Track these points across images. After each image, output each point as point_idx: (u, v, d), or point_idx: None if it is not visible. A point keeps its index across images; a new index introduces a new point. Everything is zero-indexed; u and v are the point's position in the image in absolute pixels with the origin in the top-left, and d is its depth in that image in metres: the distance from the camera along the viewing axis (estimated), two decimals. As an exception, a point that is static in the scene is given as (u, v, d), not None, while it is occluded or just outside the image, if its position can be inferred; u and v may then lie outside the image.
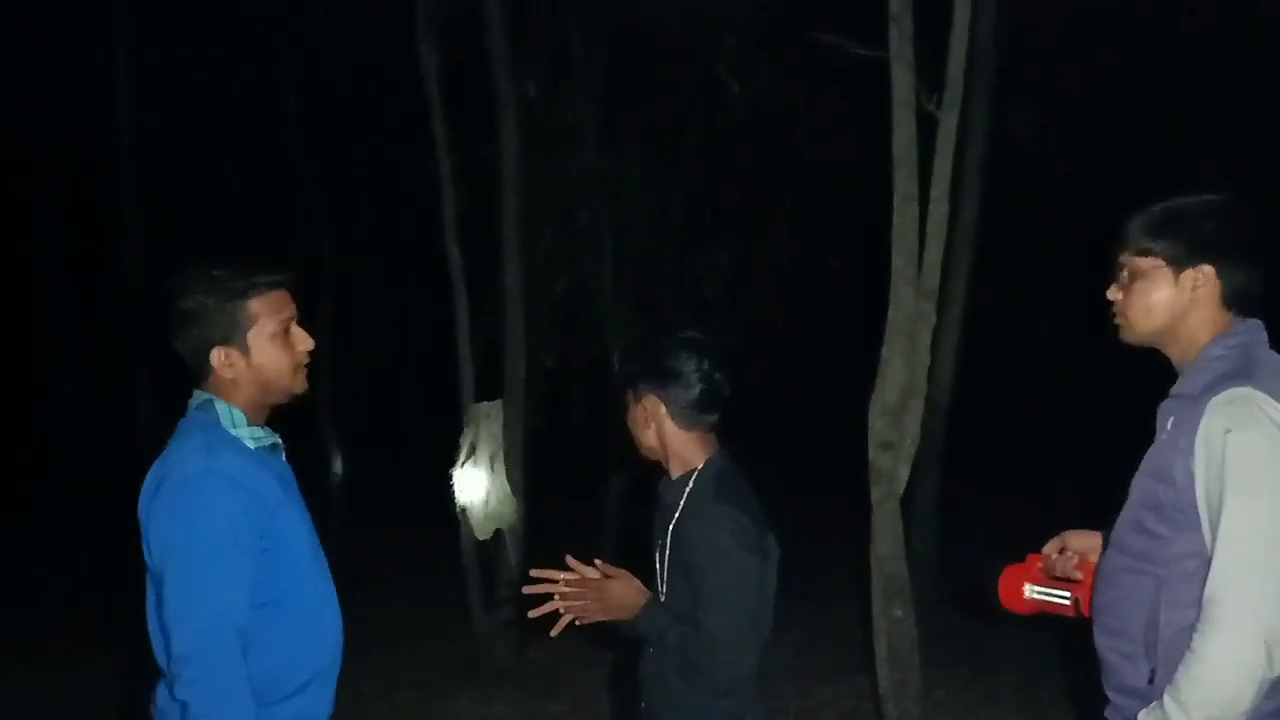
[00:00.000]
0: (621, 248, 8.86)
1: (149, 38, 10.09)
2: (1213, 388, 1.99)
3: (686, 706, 2.35)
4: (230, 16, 10.35)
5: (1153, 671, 2.02)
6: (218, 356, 2.12)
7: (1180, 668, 1.94)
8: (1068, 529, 2.45)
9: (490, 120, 6.37)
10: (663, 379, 2.41)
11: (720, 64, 8.67)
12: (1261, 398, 1.94)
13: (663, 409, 2.42)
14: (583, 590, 2.34)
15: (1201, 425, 1.97)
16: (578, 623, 2.36)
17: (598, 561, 2.37)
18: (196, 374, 2.18)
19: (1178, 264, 2.09)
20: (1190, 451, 1.98)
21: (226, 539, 1.99)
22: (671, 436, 2.44)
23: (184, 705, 1.95)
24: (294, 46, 10.53)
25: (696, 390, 2.40)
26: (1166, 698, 1.96)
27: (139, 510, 2.08)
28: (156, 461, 2.10)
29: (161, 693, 2.11)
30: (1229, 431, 1.93)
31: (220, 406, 2.14)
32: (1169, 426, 2.06)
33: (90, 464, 11.75)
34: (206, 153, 12.53)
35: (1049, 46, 8.43)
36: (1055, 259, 11.57)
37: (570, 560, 2.37)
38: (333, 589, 2.25)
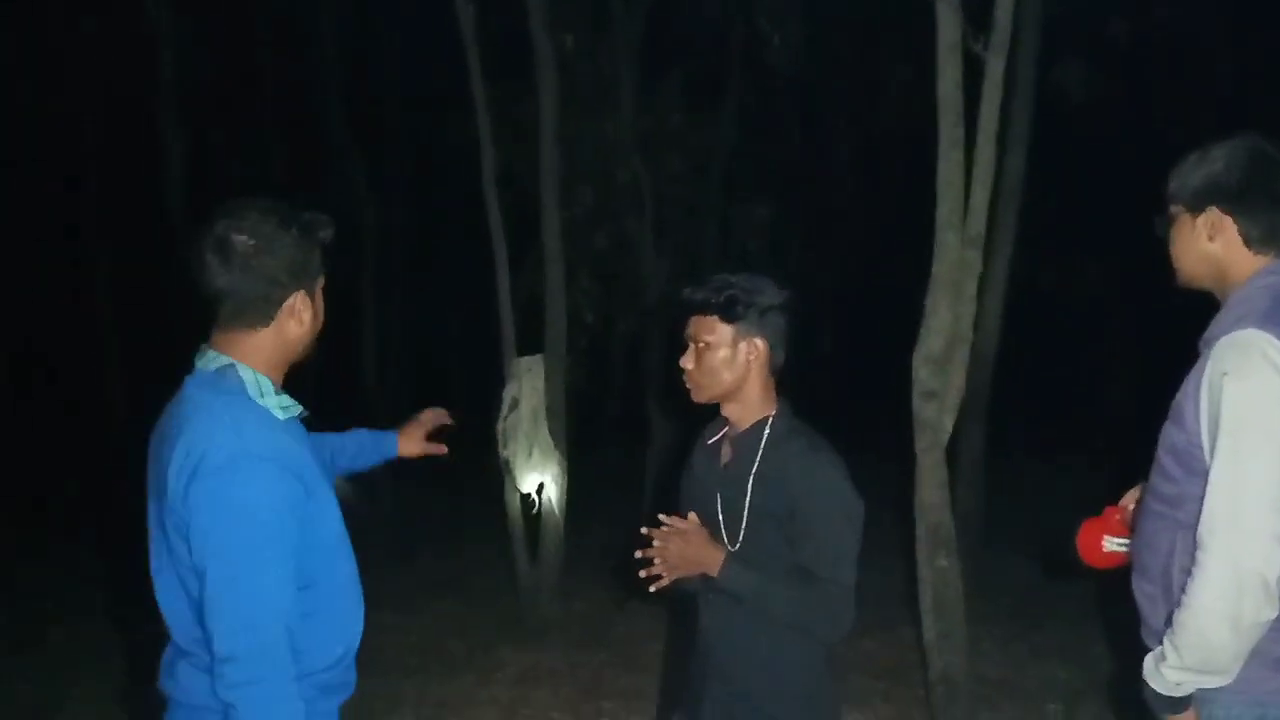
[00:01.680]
0: (662, 204, 8.82)
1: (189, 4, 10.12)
2: (1226, 330, 1.98)
3: (775, 658, 2.32)
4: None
5: (1169, 614, 2.02)
6: (296, 301, 1.94)
7: (1176, 611, 1.96)
8: (1124, 478, 2.44)
9: (528, 76, 6.33)
10: (775, 323, 2.35)
11: (760, 14, 8.55)
12: (1265, 340, 1.91)
13: (764, 349, 2.36)
14: (665, 548, 2.28)
15: (1206, 368, 1.97)
16: (652, 588, 2.29)
17: (673, 519, 2.30)
18: (237, 318, 1.93)
19: (1193, 209, 2.11)
20: (1198, 395, 1.98)
21: (272, 530, 1.84)
22: (757, 382, 2.38)
23: (229, 707, 1.81)
24: (333, 6, 10.52)
25: (785, 326, 2.37)
26: (1165, 641, 1.99)
27: (169, 499, 1.85)
28: (180, 444, 1.85)
29: (183, 668, 1.97)
30: (1225, 375, 1.92)
31: (245, 372, 1.93)
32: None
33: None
34: (247, 115, 12.60)
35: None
36: (1107, 208, 11.38)
37: (649, 531, 2.30)
38: (355, 567, 2.10)
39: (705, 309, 2.35)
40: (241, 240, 1.88)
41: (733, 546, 2.33)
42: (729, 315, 2.33)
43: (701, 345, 2.36)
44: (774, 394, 2.42)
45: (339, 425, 2.65)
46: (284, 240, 1.91)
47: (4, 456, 11.47)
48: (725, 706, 2.39)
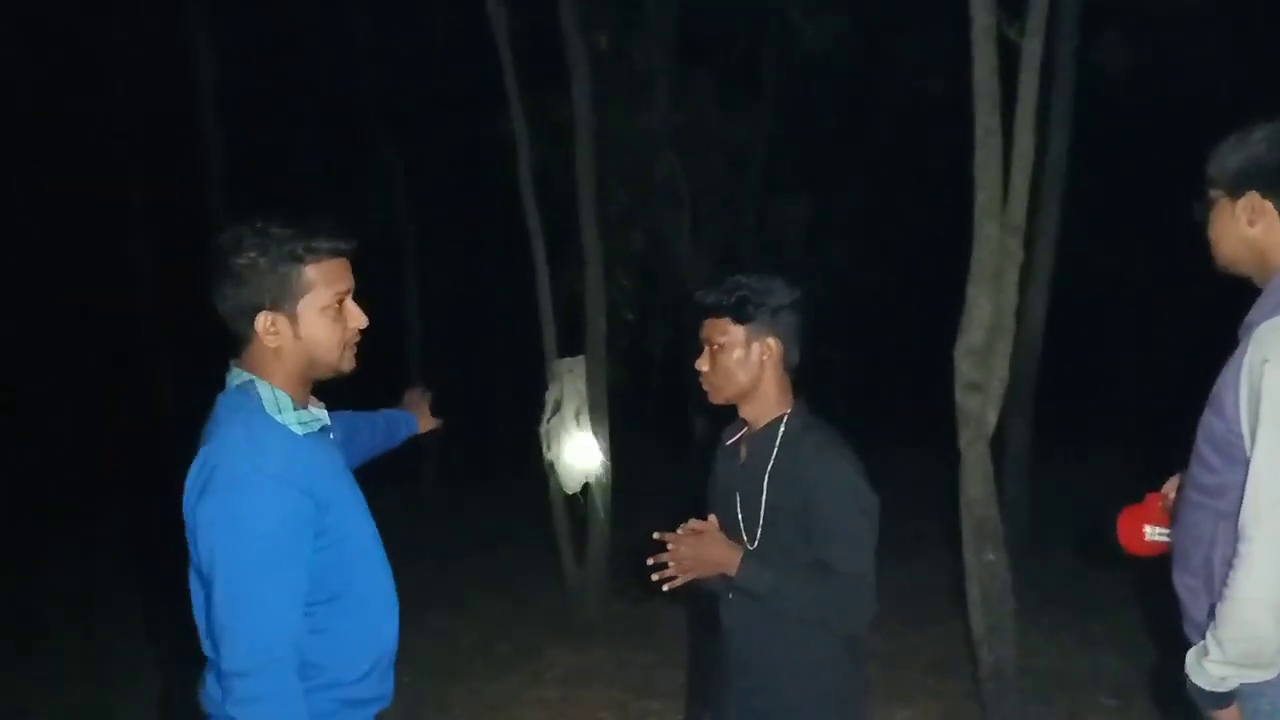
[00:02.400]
0: (699, 200, 8.80)
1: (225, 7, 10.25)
2: (1268, 316, 1.93)
3: (800, 654, 2.33)
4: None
5: (1212, 606, 1.97)
6: (263, 321, 1.95)
7: (1218, 603, 1.92)
8: (1170, 471, 2.38)
9: (562, 75, 6.34)
10: (787, 322, 2.37)
11: (793, 5, 8.50)
12: None
13: (777, 348, 2.37)
14: (678, 550, 2.30)
15: (1246, 355, 1.92)
16: (666, 587, 2.31)
17: (690, 523, 2.33)
18: (236, 341, 2.00)
19: (1232, 193, 2.05)
20: (1238, 382, 1.93)
21: (279, 548, 1.85)
22: (771, 381, 2.39)
23: None
24: (367, 9, 10.61)
25: (797, 324, 2.38)
26: (1208, 634, 1.94)
27: (184, 505, 1.91)
28: (201, 452, 1.92)
29: (211, 680, 1.99)
30: (1266, 361, 1.87)
31: (263, 389, 1.97)
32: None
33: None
34: (287, 120, 12.73)
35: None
36: (1153, 195, 11.19)
37: (661, 535, 2.33)
38: (390, 576, 2.11)
39: (717, 311, 2.37)
40: (223, 262, 1.94)
41: (751, 545, 2.35)
42: (740, 316, 2.35)
43: (715, 347, 2.39)
44: (790, 392, 2.43)
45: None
46: (253, 260, 1.92)
47: (52, 461, 11.71)
48: (749, 704, 2.40)
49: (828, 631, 2.30)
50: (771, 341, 2.36)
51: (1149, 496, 2.43)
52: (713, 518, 2.36)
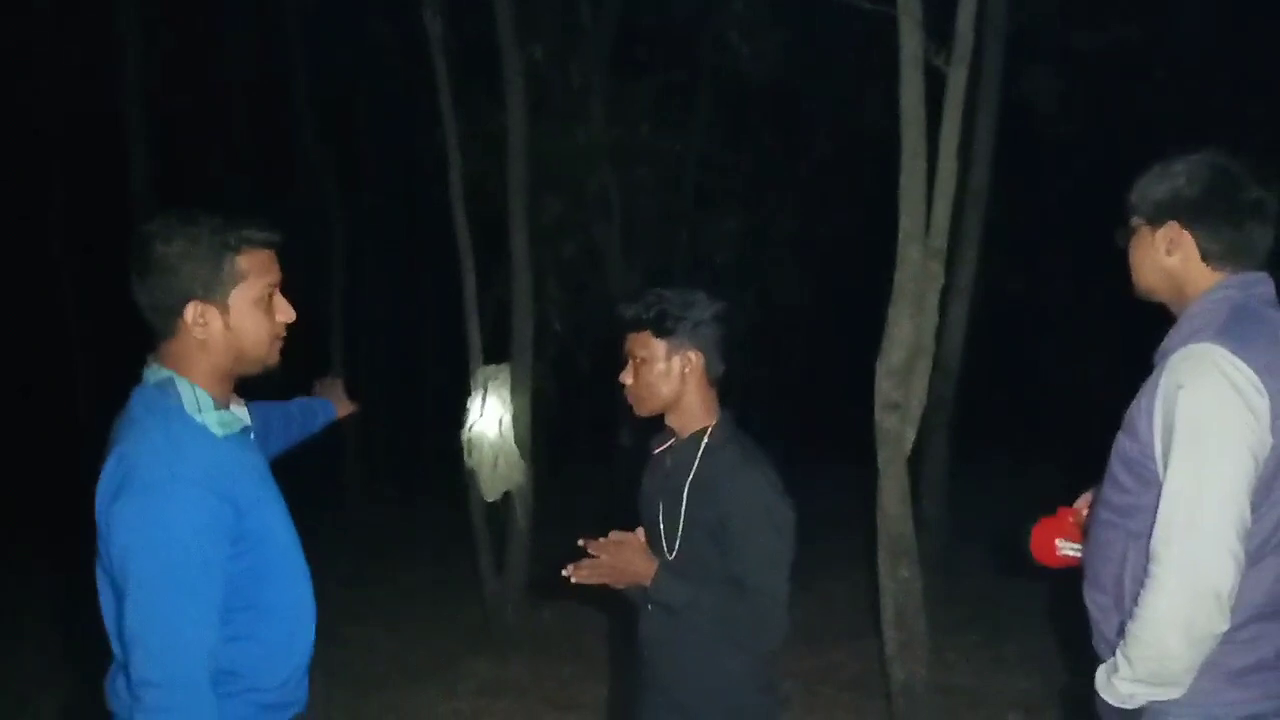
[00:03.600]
0: (631, 214, 8.83)
1: (156, 6, 10.04)
2: (1182, 343, 1.99)
3: (708, 669, 2.34)
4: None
5: (1122, 624, 2.02)
6: (193, 312, 1.89)
7: (1128, 622, 1.97)
8: (1085, 488, 2.44)
9: (496, 84, 6.33)
10: (708, 335, 2.38)
11: (729, 26, 8.59)
12: (1220, 353, 1.91)
13: (697, 361, 2.38)
14: (598, 558, 2.31)
15: (1161, 381, 1.98)
16: (574, 579, 2.31)
17: (612, 534, 2.34)
18: (159, 334, 1.93)
19: (1152, 222, 2.12)
20: (1152, 407, 1.99)
21: (195, 557, 1.79)
22: (694, 393, 2.40)
23: None
24: (301, 14, 10.48)
25: (719, 337, 2.39)
26: (1118, 652, 1.99)
27: (97, 505, 1.84)
28: (114, 454, 1.85)
29: (122, 682, 1.92)
30: (1181, 388, 1.93)
31: (183, 387, 1.90)
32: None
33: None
34: (217, 123, 12.52)
35: (1061, 6, 8.30)
36: (1071, 223, 11.50)
37: (584, 542, 2.33)
38: (309, 583, 2.06)
39: (638, 325, 2.39)
40: (154, 249, 1.87)
41: (670, 555, 2.37)
42: (660, 330, 2.37)
43: (638, 360, 2.40)
44: (714, 404, 2.44)
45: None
46: (184, 249, 1.87)
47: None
48: (662, 716, 2.42)
49: (738, 647, 2.31)
50: (693, 355, 2.38)
51: (1061, 511, 2.47)
52: (640, 530, 2.38)
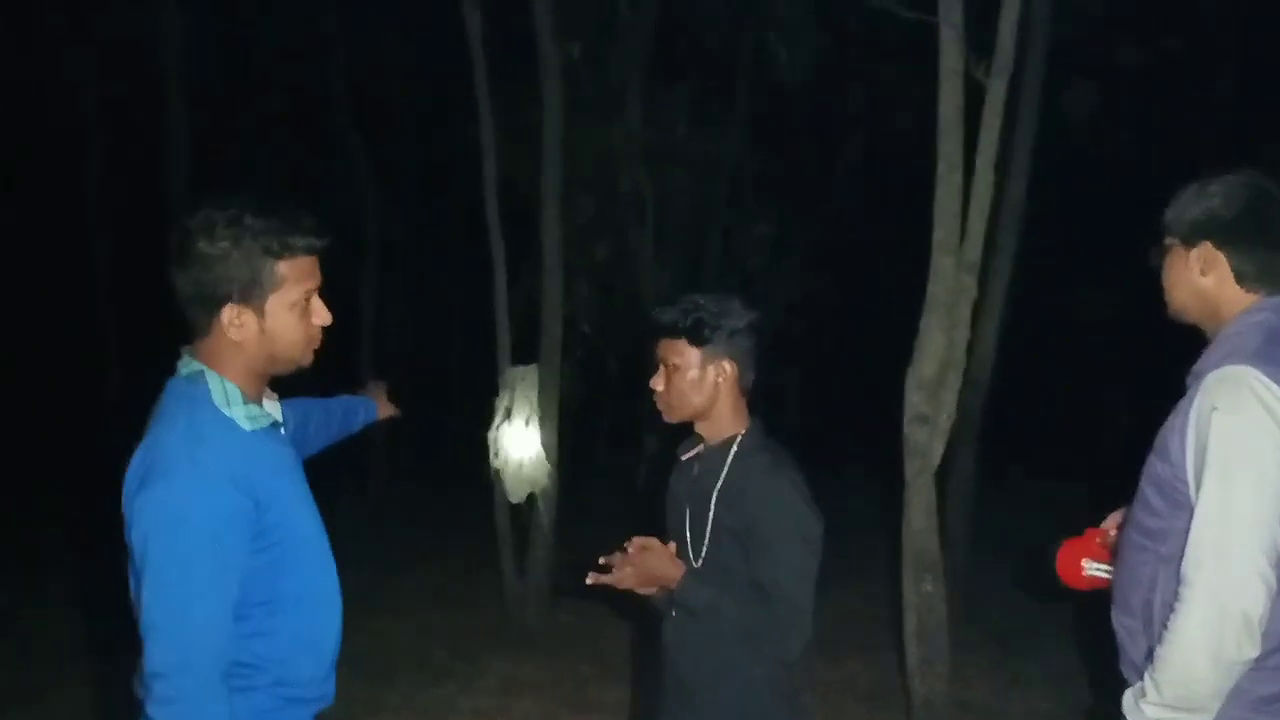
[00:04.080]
0: (664, 216, 8.82)
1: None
2: (1216, 365, 1.97)
3: (731, 676, 2.33)
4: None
5: (1150, 648, 2.00)
6: (230, 314, 1.87)
7: (1157, 647, 1.95)
8: (1112, 507, 2.42)
9: (534, 83, 6.34)
10: (742, 344, 2.37)
11: (768, 29, 8.56)
12: (1255, 376, 1.90)
13: (735, 372, 2.38)
14: (622, 565, 2.31)
15: (1194, 403, 1.96)
16: (590, 582, 2.34)
17: (634, 540, 2.33)
18: (193, 328, 1.92)
19: (1187, 242, 2.10)
20: (1185, 429, 1.97)
21: (211, 548, 1.78)
22: (726, 402, 2.40)
23: None
24: (341, 4, 10.54)
25: (752, 345, 2.38)
26: (1146, 676, 1.97)
27: (124, 495, 1.84)
28: (142, 444, 1.86)
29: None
30: (1215, 410, 1.91)
31: (213, 380, 1.90)
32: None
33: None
34: (255, 111, 12.61)
35: (1105, 20, 8.21)
36: (1108, 239, 11.38)
37: (606, 559, 2.34)
38: (335, 579, 2.05)
39: (673, 332, 2.37)
40: (191, 246, 1.85)
41: (697, 561, 2.37)
42: (696, 339, 2.35)
43: (671, 367, 2.39)
44: (745, 413, 2.44)
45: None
46: (225, 250, 1.85)
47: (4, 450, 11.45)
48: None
49: (761, 655, 2.30)
50: (727, 364, 2.37)
51: (1088, 531, 2.45)
52: (672, 543, 2.39)
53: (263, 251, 1.87)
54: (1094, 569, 2.40)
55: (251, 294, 1.88)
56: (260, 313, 1.90)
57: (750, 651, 2.30)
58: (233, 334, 1.90)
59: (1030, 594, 6.71)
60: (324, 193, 11.49)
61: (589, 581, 2.32)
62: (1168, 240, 2.14)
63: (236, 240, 1.85)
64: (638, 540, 2.33)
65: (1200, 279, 2.08)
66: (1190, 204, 2.09)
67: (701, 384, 2.37)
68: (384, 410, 2.91)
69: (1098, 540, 2.43)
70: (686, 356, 2.36)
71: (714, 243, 10.12)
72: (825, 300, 12.18)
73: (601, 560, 2.35)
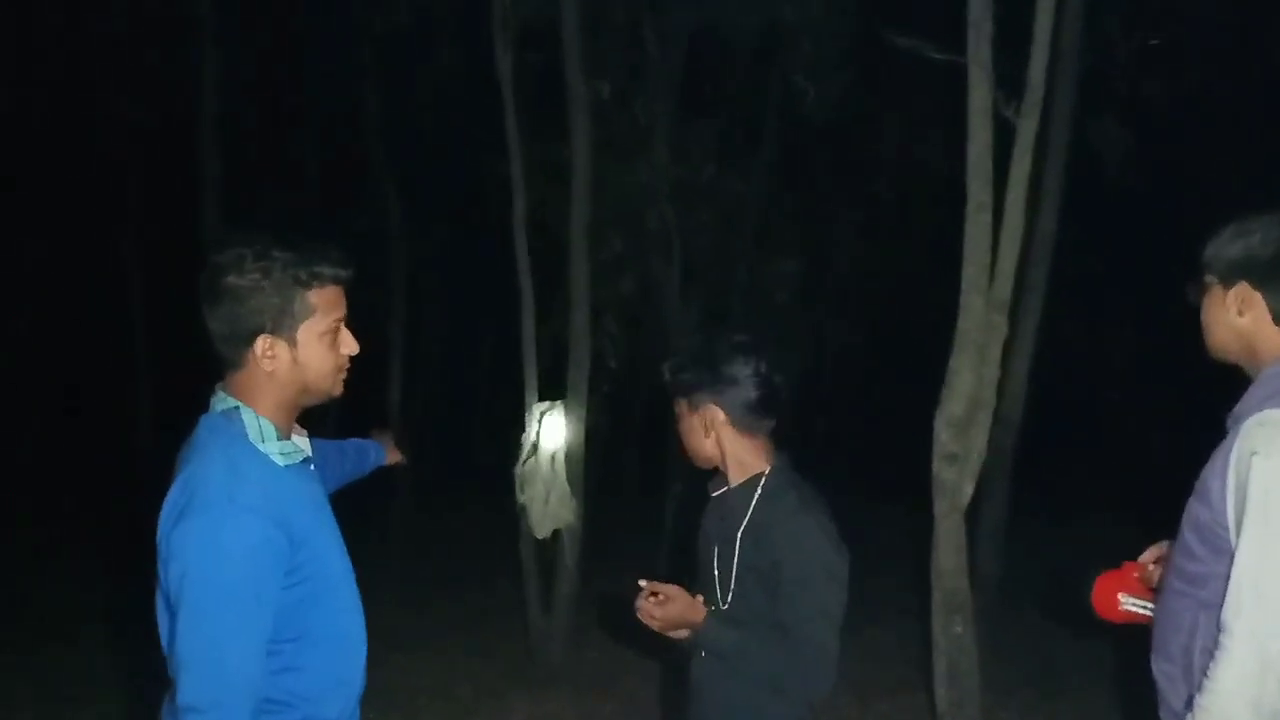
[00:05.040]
0: (690, 253, 8.83)
1: (233, 24, 10.28)
2: (1256, 408, 1.94)
3: (754, 717, 2.32)
4: (312, 9, 10.54)
5: (1190, 696, 1.97)
6: (263, 345, 1.91)
7: (1197, 695, 1.92)
8: (1149, 542, 2.39)
9: (563, 120, 6.39)
10: (719, 386, 2.37)
11: (796, 68, 8.59)
12: None
13: (721, 416, 2.38)
14: (649, 609, 2.31)
15: (1234, 447, 1.93)
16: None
17: (643, 583, 2.32)
18: (227, 363, 1.96)
19: (1225, 281, 2.08)
20: (1225, 473, 1.94)
21: (247, 584, 1.81)
22: (731, 443, 2.40)
23: None
24: (374, 42, 10.68)
25: (754, 395, 2.36)
26: None
27: (159, 529, 1.87)
28: (178, 479, 1.89)
29: (170, 704, 1.93)
30: (1255, 454, 1.88)
31: (248, 416, 1.94)
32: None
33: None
34: (287, 146, 12.76)
35: (1134, 57, 8.20)
36: (1138, 278, 11.31)
37: (642, 583, 2.34)
38: (360, 615, 2.07)
39: (669, 389, 2.46)
40: (225, 280, 1.89)
41: (724, 601, 2.37)
42: (679, 391, 2.43)
43: (677, 418, 2.47)
44: (765, 451, 2.42)
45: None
46: (255, 282, 1.89)
47: (38, 479, 11.57)
48: None
49: (785, 697, 2.28)
50: (712, 408, 2.38)
51: (1125, 565, 2.42)
52: (690, 576, 2.40)
53: (292, 281, 1.91)
54: (1130, 604, 2.36)
55: (283, 324, 1.92)
56: (292, 343, 1.94)
57: (774, 693, 2.28)
58: (266, 365, 1.93)
59: (1060, 633, 6.63)
60: (355, 228, 11.59)
61: (639, 603, 2.32)
62: (1206, 278, 2.12)
63: (266, 272, 1.89)
64: (651, 586, 2.31)
65: (1237, 319, 2.06)
66: (1228, 243, 2.07)
67: (696, 432, 2.42)
68: (392, 456, 2.96)
69: (1135, 575, 2.39)
70: (680, 408, 2.44)
71: (741, 279, 10.12)
72: (854, 336, 12.16)
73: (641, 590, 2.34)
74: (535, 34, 6.56)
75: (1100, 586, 2.41)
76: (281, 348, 1.94)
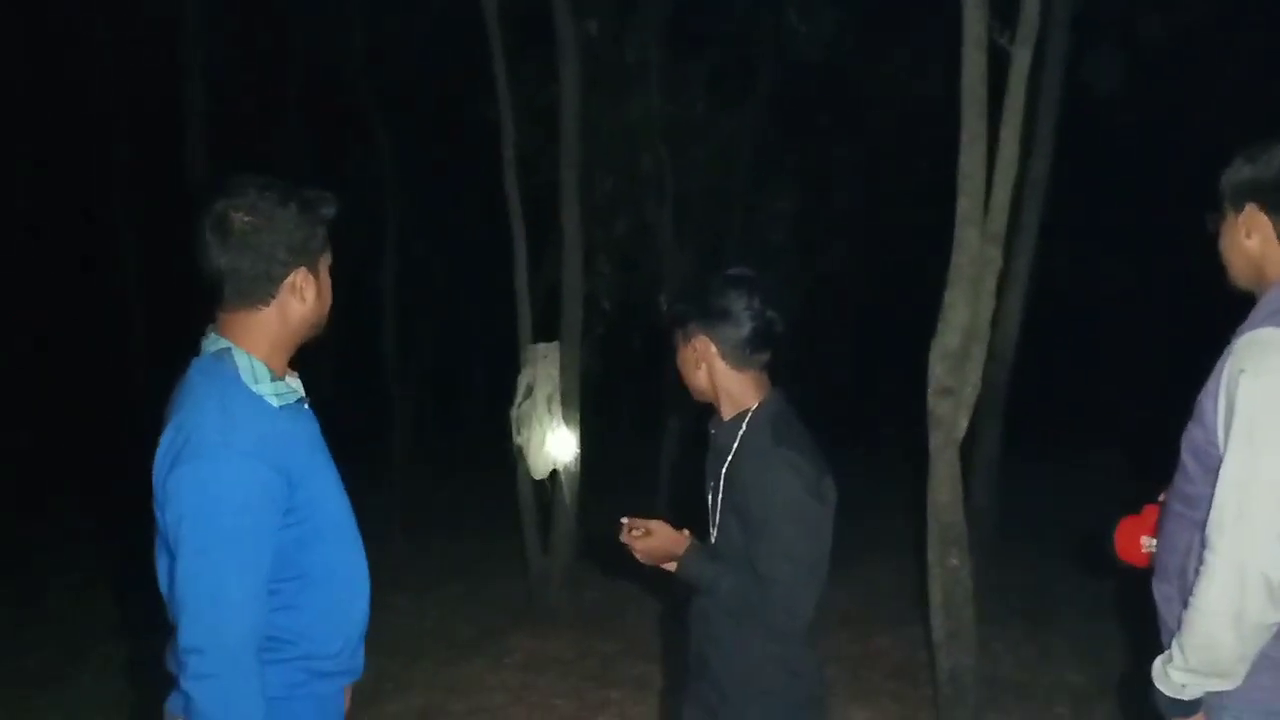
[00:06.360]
0: (684, 193, 8.76)
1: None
2: (1250, 327, 1.96)
3: (738, 650, 2.34)
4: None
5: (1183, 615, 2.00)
6: (297, 278, 1.93)
7: (1184, 612, 1.95)
8: (1143, 479, 2.41)
9: (551, 60, 6.30)
10: (712, 318, 2.35)
11: (788, 3, 8.48)
12: None
13: (713, 349, 2.37)
14: (634, 543, 2.36)
15: (1225, 366, 1.95)
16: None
17: (624, 520, 2.36)
18: (235, 302, 1.92)
19: (1234, 206, 2.10)
20: (1217, 392, 1.95)
21: (245, 526, 1.81)
22: (723, 377, 2.39)
23: (189, 697, 1.80)
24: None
25: (747, 329, 2.34)
26: (1174, 642, 1.98)
27: (155, 474, 1.86)
28: (171, 424, 1.87)
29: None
30: (1242, 372, 1.90)
31: (240, 358, 1.91)
32: None
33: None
34: (272, 93, 12.61)
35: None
36: (1131, 213, 11.27)
37: (624, 520, 2.39)
38: (361, 553, 2.08)
39: (665, 320, 2.50)
40: (239, 218, 1.87)
41: (712, 536, 2.41)
42: (673, 322, 2.45)
43: (676, 355, 2.48)
44: (757, 386, 2.40)
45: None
46: (283, 216, 1.89)
47: (26, 429, 11.58)
48: (703, 695, 2.44)
49: (765, 632, 2.29)
50: (703, 339, 2.38)
51: (1147, 508, 2.42)
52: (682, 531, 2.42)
53: (319, 218, 1.96)
54: (1153, 546, 2.37)
55: (307, 256, 1.95)
56: (318, 277, 1.99)
57: (755, 631, 2.30)
58: (294, 301, 1.95)
59: (1054, 565, 6.71)
60: (344, 175, 11.49)
61: (622, 538, 2.37)
62: (1223, 208, 2.13)
63: (283, 202, 1.91)
64: (631, 521, 2.35)
65: (1246, 242, 2.08)
66: (1237, 169, 2.09)
67: (687, 364, 2.43)
68: None
69: (1156, 518, 2.41)
70: (675, 340, 2.45)
71: (735, 219, 10.05)
72: (851, 273, 12.12)
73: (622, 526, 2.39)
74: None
75: (1122, 530, 2.44)
76: (307, 281, 1.96)
